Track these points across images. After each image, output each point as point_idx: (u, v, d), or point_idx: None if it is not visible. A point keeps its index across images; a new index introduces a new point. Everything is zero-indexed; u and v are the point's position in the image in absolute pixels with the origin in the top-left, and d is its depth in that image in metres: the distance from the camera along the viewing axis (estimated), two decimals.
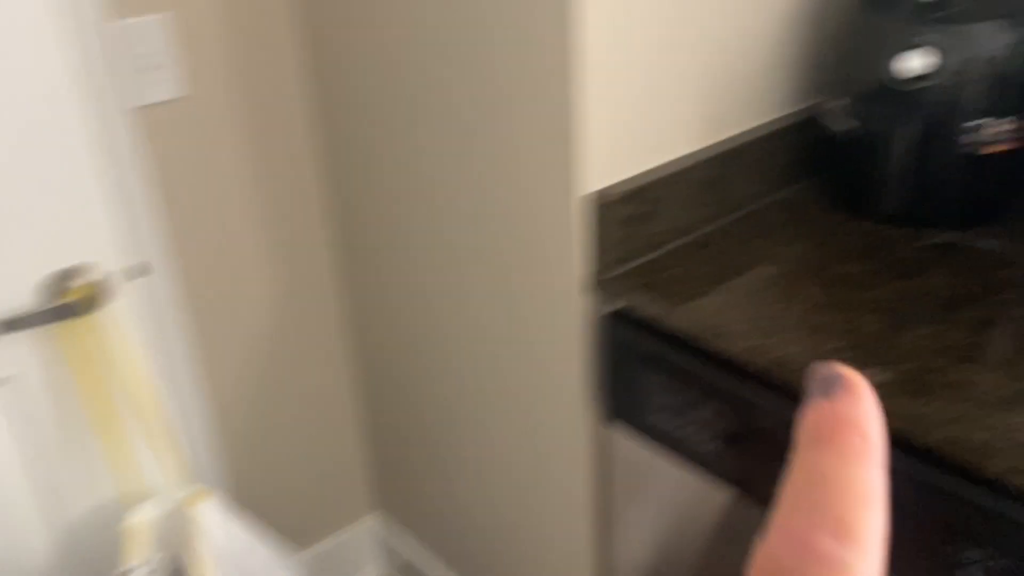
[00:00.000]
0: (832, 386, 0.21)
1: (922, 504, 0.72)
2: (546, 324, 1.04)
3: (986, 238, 0.97)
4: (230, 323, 1.32)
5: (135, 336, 1.14)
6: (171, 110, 1.16)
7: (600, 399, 1.04)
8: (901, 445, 0.74)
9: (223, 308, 1.31)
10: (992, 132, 0.94)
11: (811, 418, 0.20)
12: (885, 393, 0.73)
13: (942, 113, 0.94)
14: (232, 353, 1.34)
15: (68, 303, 1.03)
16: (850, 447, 0.19)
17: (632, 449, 1.02)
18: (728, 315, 0.86)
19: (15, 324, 1.01)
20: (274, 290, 1.36)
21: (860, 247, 0.98)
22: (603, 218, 0.92)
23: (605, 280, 0.95)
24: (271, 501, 1.47)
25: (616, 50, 0.88)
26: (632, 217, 0.95)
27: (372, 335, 1.41)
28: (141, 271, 1.14)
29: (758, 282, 0.92)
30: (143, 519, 1.10)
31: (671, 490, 1.00)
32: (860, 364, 0.77)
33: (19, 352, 1.05)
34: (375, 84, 1.13)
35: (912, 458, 0.72)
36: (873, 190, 1.00)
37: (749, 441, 0.85)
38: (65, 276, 1.05)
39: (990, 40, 0.92)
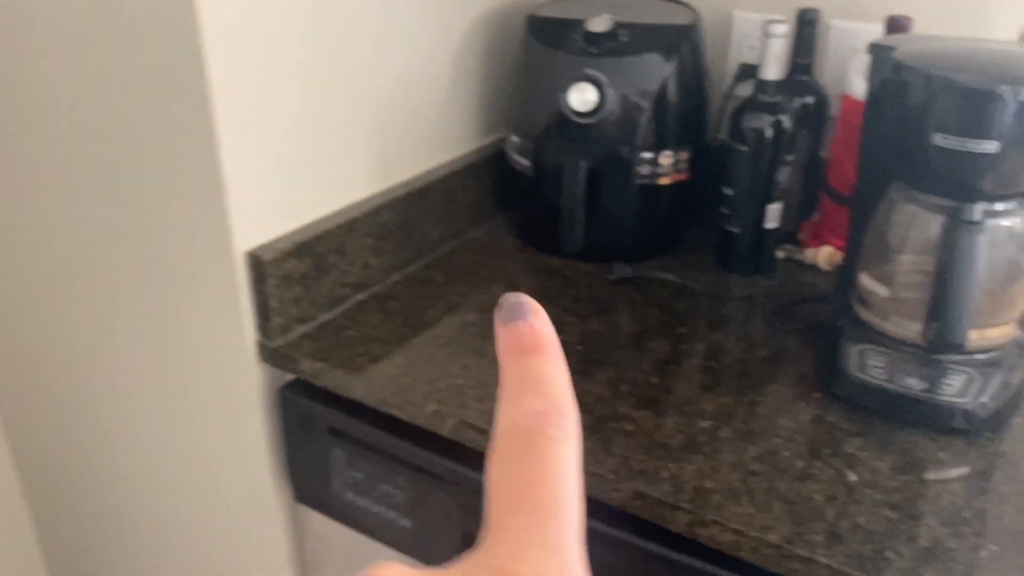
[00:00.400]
0: (522, 310, 0.25)
1: (619, 564, 0.68)
2: (223, 401, 0.90)
3: (663, 270, 0.98)
4: None
5: None
6: None
7: (288, 478, 0.92)
8: (589, 503, 0.71)
9: None
10: (665, 164, 0.96)
11: (513, 334, 0.25)
12: None
13: (614, 146, 0.94)
14: None
15: None
16: (551, 352, 0.24)
17: (331, 529, 0.91)
18: (413, 376, 0.78)
19: None
20: None
21: (549, 287, 0.95)
22: (268, 277, 0.81)
23: (279, 347, 0.83)
24: None
25: (258, 103, 0.78)
26: (303, 275, 0.84)
27: (30, 426, 1.18)
28: None
29: (446, 335, 0.85)
30: None
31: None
32: None
33: None
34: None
35: (602, 514, 0.68)
36: (556, 227, 0.97)
37: (441, 516, 0.78)
38: None
39: (651, 72, 0.93)
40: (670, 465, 0.67)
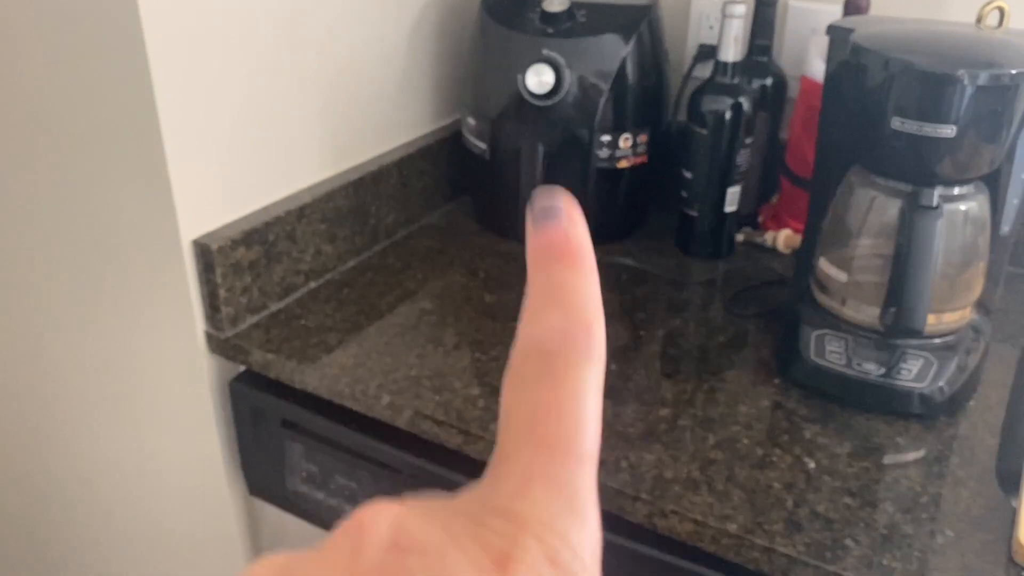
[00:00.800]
0: (556, 212, 0.23)
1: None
2: (173, 393, 0.87)
3: (623, 255, 0.97)
4: None
5: None
6: None
7: (242, 471, 0.90)
8: None
9: None
10: (624, 147, 0.94)
11: (543, 239, 0.22)
12: None
13: (573, 128, 0.92)
14: None
15: None
16: (583, 263, 0.22)
17: (286, 522, 0.89)
18: (367, 367, 0.76)
19: None
20: None
21: (507, 272, 0.94)
22: (216, 267, 0.78)
23: (228, 338, 0.81)
24: None
25: (202, 87, 0.74)
26: (252, 263, 0.82)
27: None
28: None
29: (401, 323, 0.83)
30: None
31: None
32: (495, 412, 0.71)
33: None
34: None
35: None
36: (515, 211, 0.96)
37: None
38: None
39: (609, 53, 0.91)
40: (629, 455, 0.66)
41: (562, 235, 0.23)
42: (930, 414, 0.71)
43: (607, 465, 0.65)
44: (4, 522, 1.20)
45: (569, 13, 0.90)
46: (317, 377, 0.76)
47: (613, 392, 0.74)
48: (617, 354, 0.79)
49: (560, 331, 0.21)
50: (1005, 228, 0.75)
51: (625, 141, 0.94)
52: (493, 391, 0.73)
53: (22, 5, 0.73)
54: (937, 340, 0.73)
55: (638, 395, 0.74)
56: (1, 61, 0.78)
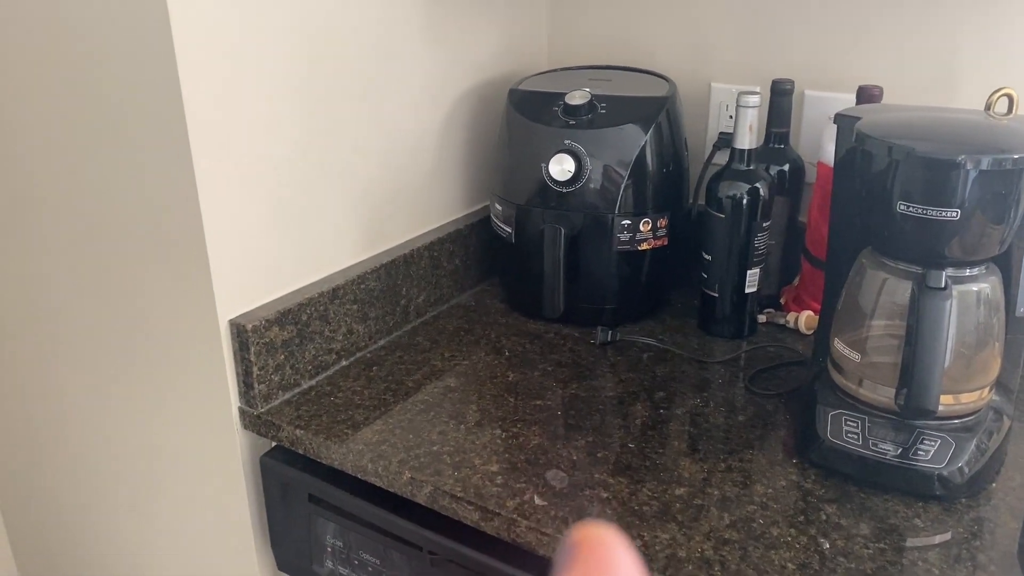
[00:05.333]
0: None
1: None
2: (206, 467, 0.91)
3: (645, 334, 0.99)
4: None
5: None
6: None
7: (270, 546, 0.92)
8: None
9: None
10: (644, 230, 0.97)
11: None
12: (542, 518, 0.68)
13: (594, 213, 0.96)
14: None
15: None
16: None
17: None
18: (391, 443, 0.79)
19: None
20: None
21: (532, 351, 0.96)
22: (252, 344, 0.82)
23: (261, 415, 0.84)
24: None
25: (242, 180, 0.80)
26: (286, 342, 0.86)
27: (17, 483, 1.18)
28: None
29: (426, 400, 0.86)
30: None
31: None
32: (513, 489, 0.72)
33: None
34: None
35: None
36: (539, 292, 0.99)
37: None
38: None
39: (629, 142, 0.95)
40: (643, 533, 0.67)
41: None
42: (950, 496, 0.70)
43: None
44: None
45: (590, 105, 0.95)
46: (343, 452, 0.79)
47: (630, 470, 0.75)
48: (637, 433, 0.81)
49: None
50: (1021, 309, 0.76)
51: (645, 225, 0.97)
52: (512, 468, 0.75)
53: (76, 98, 0.80)
54: (956, 421, 0.73)
55: (656, 473, 0.74)
56: (53, 149, 0.85)
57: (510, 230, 1.01)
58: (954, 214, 0.67)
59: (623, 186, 0.95)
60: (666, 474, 0.74)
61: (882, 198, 0.70)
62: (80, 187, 0.85)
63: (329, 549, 0.85)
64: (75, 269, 0.90)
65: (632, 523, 0.68)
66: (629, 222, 0.96)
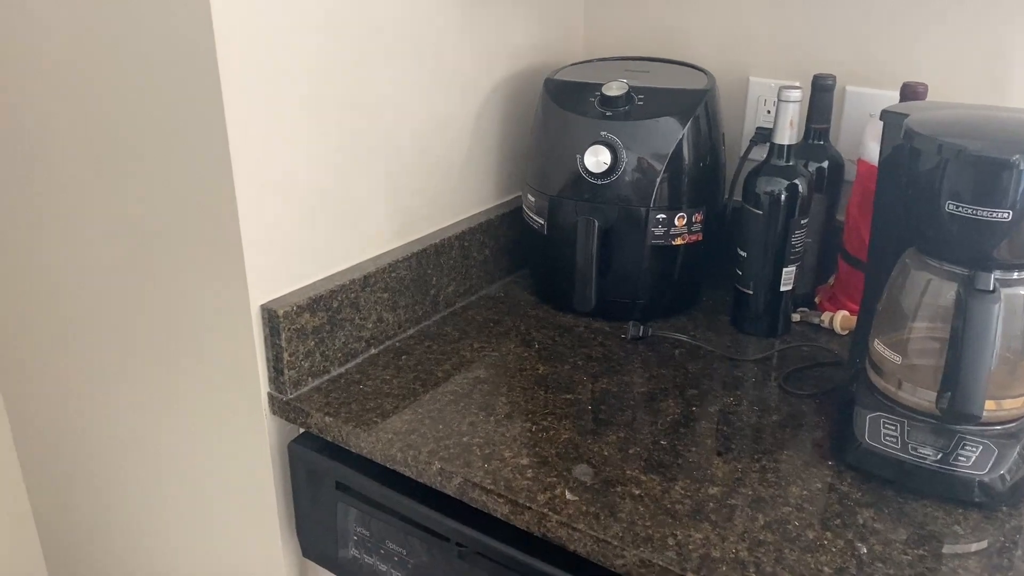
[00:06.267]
0: None
1: None
2: (234, 452, 0.91)
3: (677, 330, 0.98)
4: None
5: None
6: None
7: (296, 532, 0.92)
8: (593, 569, 0.69)
9: None
10: (679, 224, 0.96)
11: None
12: (573, 513, 0.67)
13: (628, 206, 0.95)
14: None
15: None
16: None
17: None
18: (420, 433, 0.78)
19: None
20: None
21: (562, 344, 0.95)
22: (283, 330, 0.82)
23: (290, 401, 0.84)
24: None
25: (277, 168, 0.80)
26: (316, 328, 0.85)
27: (45, 471, 1.19)
28: None
29: (455, 390, 0.85)
30: None
31: None
32: (544, 483, 0.72)
33: None
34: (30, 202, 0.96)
35: None
36: (571, 285, 0.98)
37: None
38: None
39: (666, 135, 0.94)
40: (676, 532, 0.66)
41: None
42: (991, 503, 0.69)
43: (653, 542, 0.65)
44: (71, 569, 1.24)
45: (627, 97, 0.94)
46: (371, 441, 0.78)
47: (663, 467, 0.74)
48: (669, 430, 0.79)
49: None
50: None
51: (680, 219, 0.95)
52: (542, 461, 0.74)
53: (114, 85, 0.80)
54: (998, 427, 0.71)
55: (688, 471, 0.73)
56: (92, 137, 0.85)
57: (542, 221, 1.00)
58: (1006, 215, 0.65)
59: (659, 180, 0.93)
60: (699, 472, 0.73)
61: (929, 197, 0.69)
62: (115, 175, 0.85)
63: (355, 537, 0.84)
64: (107, 255, 0.90)
65: (665, 522, 0.67)
66: (664, 216, 0.95)
